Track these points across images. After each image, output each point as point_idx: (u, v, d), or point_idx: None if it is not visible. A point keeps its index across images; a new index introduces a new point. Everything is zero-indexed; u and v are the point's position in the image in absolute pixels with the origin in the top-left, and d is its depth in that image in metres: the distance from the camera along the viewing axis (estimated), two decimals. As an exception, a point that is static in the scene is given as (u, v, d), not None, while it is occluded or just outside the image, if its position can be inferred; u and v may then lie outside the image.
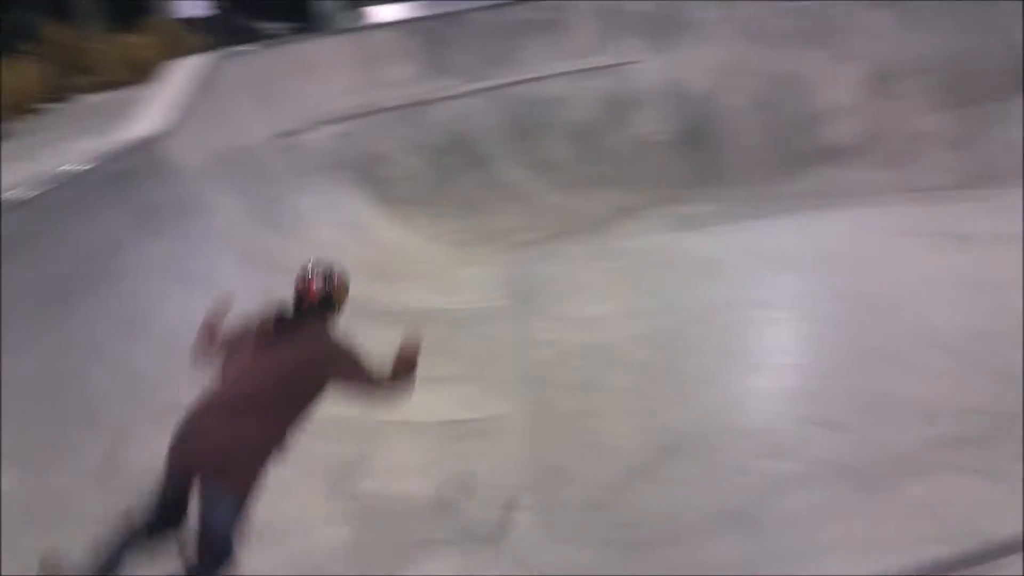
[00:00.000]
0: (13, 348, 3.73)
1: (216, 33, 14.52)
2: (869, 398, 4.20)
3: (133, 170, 5.50)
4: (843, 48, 9.42)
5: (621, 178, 9.76)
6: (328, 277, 3.09)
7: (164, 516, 2.66)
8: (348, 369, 2.91)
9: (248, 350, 2.90)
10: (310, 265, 3.11)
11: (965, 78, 8.86)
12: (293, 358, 2.84)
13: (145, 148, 5.87)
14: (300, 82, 9.83)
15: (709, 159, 9.50)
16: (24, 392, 3.62)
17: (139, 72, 12.92)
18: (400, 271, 7.47)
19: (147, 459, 3.70)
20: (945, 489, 3.39)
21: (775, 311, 5.61)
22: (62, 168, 4.92)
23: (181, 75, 8.25)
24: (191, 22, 16.49)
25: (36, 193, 4.42)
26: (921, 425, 3.87)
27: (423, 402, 4.93)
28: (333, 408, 4.62)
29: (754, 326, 5.49)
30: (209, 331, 3.19)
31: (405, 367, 3.01)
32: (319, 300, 3.03)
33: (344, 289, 3.17)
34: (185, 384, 4.37)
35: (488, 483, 4.03)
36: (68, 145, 6.54)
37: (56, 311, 4.19)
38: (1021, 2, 8.75)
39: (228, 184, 6.97)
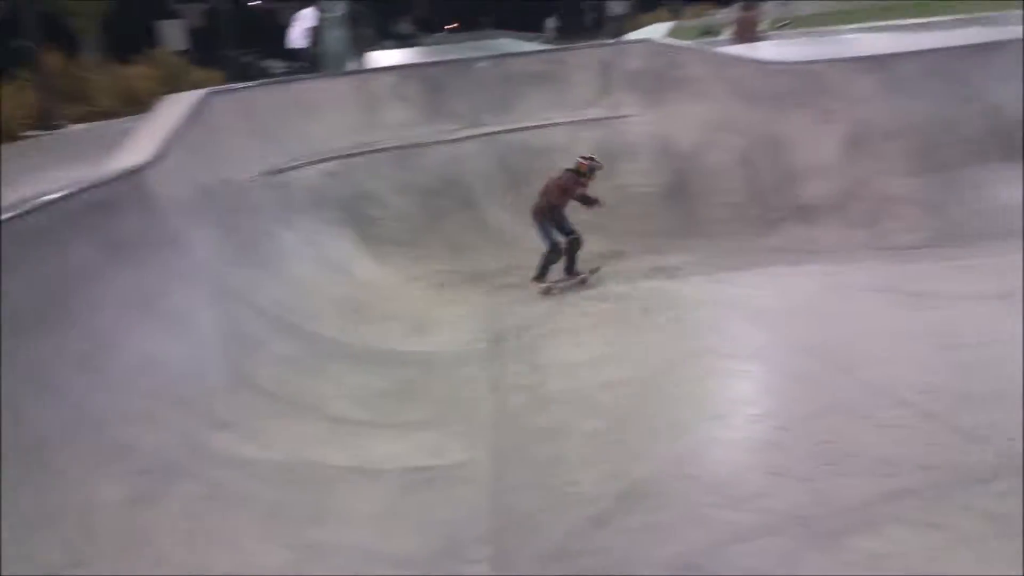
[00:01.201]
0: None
1: (223, 69, 14.78)
2: (829, 450, 4.21)
3: (110, 200, 5.54)
4: (826, 110, 9.65)
5: (608, 226, 9.88)
6: (594, 163, 8.26)
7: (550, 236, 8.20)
8: (572, 188, 8.17)
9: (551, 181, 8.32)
10: (595, 158, 8.32)
11: (940, 144, 9.10)
12: (560, 181, 8.16)
13: (125, 179, 5.95)
14: (297, 121, 10.04)
15: (692, 212, 9.69)
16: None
17: (135, 103, 13.19)
18: (378, 311, 7.53)
19: (84, 503, 3.70)
20: (897, 542, 3.40)
21: (744, 363, 5.66)
22: (34, 196, 4.91)
23: (176, 108, 8.40)
24: (200, 57, 16.77)
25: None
26: (878, 478, 3.88)
27: (385, 448, 5.00)
28: (288, 453, 4.68)
29: (722, 377, 5.52)
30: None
31: (590, 202, 8.31)
32: (585, 169, 8.17)
33: (593, 171, 8.23)
34: (139, 422, 4.37)
35: (446, 533, 4.01)
36: (46, 173, 6.60)
37: (10, 345, 4.05)
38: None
39: (210, 218, 7.04)
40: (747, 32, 18.61)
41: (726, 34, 22.94)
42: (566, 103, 11.33)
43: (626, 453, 4.61)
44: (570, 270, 8.28)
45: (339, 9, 14.70)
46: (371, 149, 10.23)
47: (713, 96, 10.58)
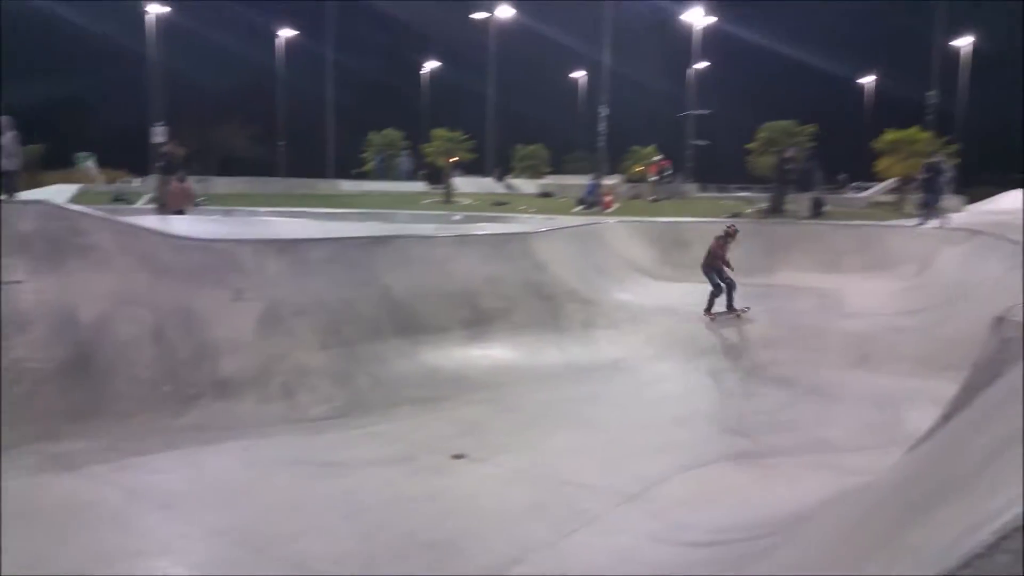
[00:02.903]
0: None
1: None
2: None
3: None
4: (241, 287, 9.90)
5: (-14, 412, 8.13)
6: (734, 230, 13.99)
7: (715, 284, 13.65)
8: (725, 248, 13.80)
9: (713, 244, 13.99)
10: (734, 224, 14.76)
11: (344, 321, 10.14)
12: (718, 244, 13.76)
13: None
14: None
15: (96, 391, 8.58)
16: None
17: None
18: None
19: None
20: None
21: (154, 559, 5.04)
22: None
23: None
24: None
25: None
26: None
27: None
28: None
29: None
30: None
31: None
32: (730, 234, 13.88)
33: (734, 235, 13.95)
34: None
35: None
36: None
37: None
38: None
39: None
40: (182, 202, 19.28)
41: (141, 202, 22.43)
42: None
43: None
44: (729, 307, 13.36)
45: None
46: None
47: (121, 267, 9.90)
